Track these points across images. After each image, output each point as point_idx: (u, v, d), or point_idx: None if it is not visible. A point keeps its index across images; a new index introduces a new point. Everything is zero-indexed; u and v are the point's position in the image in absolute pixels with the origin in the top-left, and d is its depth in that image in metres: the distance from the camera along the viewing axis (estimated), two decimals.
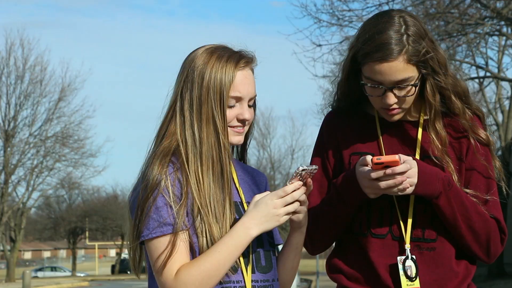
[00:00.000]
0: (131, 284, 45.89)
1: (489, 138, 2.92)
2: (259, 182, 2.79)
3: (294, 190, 2.52)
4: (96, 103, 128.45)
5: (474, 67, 24.87)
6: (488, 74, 24.55)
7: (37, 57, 49.00)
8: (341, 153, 2.96)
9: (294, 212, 2.55)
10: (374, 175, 2.70)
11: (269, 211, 2.50)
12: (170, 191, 2.50)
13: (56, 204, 68.61)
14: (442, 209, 2.79)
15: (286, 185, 2.52)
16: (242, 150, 2.79)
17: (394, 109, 2.84)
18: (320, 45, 19.75)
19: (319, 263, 32.50)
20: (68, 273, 67.29)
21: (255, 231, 2.51)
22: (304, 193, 2.56)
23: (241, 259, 2.56)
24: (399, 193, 2.74)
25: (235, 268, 2.55)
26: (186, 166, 2.55)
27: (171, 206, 2.50)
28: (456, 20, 17.98)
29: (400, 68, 2.76)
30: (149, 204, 2.50)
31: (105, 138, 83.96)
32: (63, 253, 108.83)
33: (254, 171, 2.82)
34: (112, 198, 71.03)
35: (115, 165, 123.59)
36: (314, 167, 2.53)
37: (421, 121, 2.90)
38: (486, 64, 25.84)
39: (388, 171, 2.68)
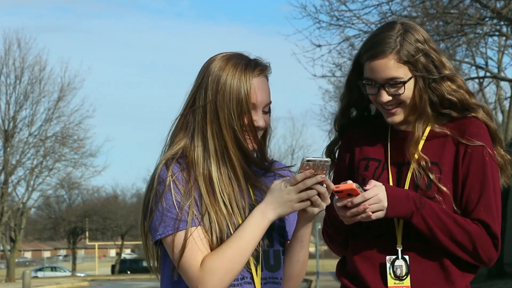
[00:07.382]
0: (131, 284, 45.92)
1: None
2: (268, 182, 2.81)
3: (306, 179, 2.52)
4: (96, 103, 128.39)
5: (474, 67, 24.88)
6: (488, 74, 24.53)
7: (36, 57, 49.06)
8: (353, 159, 3.06)
9: (311, 203, 2.55)
10: (339, 204, 2.81)
11: (282, 196, 2.54)
12: (178, 189, 2.56)
13: (56, 204, 68.57)
14: (417, 226, 2.86)
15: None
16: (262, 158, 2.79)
17: (391, 108, 2.95)
18: (319, 46, 19.75)
19: (319, 263, 32.50)
20: (68, 273, 67.29)
21: (271, 215, 2.56)
22: (322, 184, 2.54)
23: (251, 258, 2.59)
24: (364, 220, 2.82)
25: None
26: (195, 167, 2.60)
27: (180, 203, 2.55)
28: (455, 20, 17.98)
29: (390, 66, 2.89)
30: (159, 203, 2.56)
31: (105, 138, 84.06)
32: (63, 253, 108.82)
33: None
34: (112, 198, 71.02)
35: (115, 165, 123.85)
36: (324, 159, 2.53)
37: (426, 133, 2.98)
38: (486, 64, 25.83)
39: (348, 204, 2.78)
